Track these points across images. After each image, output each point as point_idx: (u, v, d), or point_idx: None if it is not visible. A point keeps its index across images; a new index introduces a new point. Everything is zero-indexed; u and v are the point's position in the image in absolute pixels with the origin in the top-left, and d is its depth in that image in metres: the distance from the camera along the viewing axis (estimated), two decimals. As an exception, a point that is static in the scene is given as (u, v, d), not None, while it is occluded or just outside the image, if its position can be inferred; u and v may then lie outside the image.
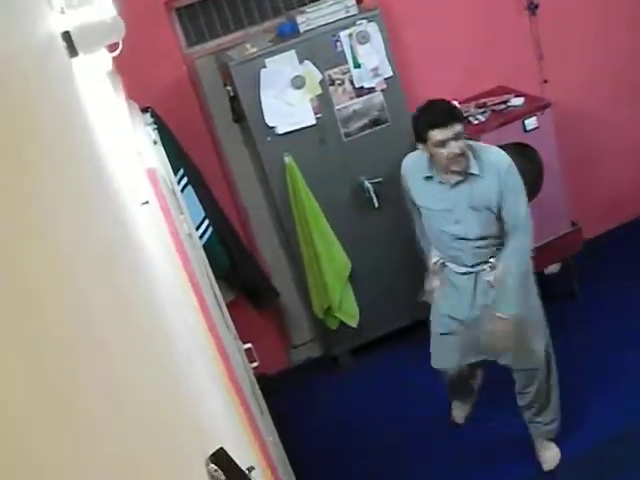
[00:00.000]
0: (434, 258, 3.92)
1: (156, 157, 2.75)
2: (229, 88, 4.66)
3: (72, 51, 1.30)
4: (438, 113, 3.53)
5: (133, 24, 4.40)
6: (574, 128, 5.46)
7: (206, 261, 3.63)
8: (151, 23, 4.58)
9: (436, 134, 3.47)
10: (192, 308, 2.21)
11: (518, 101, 4.94)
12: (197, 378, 1.68)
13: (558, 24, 5.28)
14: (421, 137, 3.55)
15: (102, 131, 1.51)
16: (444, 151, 3.49)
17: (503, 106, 4.93)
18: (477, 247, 3.71)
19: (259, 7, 4.94)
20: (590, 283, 5.30)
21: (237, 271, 4.85)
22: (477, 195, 3.60)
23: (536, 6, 5.20)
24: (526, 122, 4.82)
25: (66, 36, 1.29)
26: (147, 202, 1.75)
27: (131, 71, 4.40)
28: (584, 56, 5.43)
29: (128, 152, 2.02)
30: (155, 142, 3.12)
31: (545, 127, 4.90)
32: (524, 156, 4.83)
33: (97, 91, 1.71)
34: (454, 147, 3.48)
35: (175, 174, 4.21)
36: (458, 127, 3.48)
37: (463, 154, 3.52)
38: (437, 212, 3.73)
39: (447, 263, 3.86)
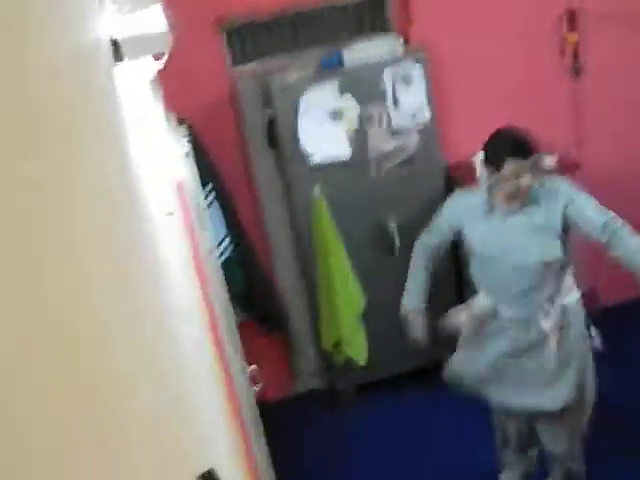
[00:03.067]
0: (482, 300, 3.76)
1: (186, 169, 2.76)
2: (268, 111, 4.68)
3: (118, 57, 1.32)
4: (521, 143, 3.35)
5: (182, 38, 4.50)
6: (606, 192, 5.43)
7: (223, 279, 3.63)
8: (199, 39, 4.63)
9: (513, 164, 3.31)
10: (203, 322, 2.21)
11: (550, 160, 4.93)
12: (199, 395, 1.68)
13: (601, 88, 5.28)
14: (495, 164, 3.37)
15: (137, 137, 1.53)
16: (515, 183, 3.34)
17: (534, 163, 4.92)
18: (536, 279, 3.54)
19: (306, 34, 4.97)
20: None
21: (252, 293, 4.84)
22: (540, 217, 3.45)
23: (581, 69, 5.21)
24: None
25: (114, 42, 1.31)
26: (172, 213, 1.76)
27: (173, 83, 4.44)
28: (623, 121, 5.42)
29: (160, 161, 2.03)
30: (187, 154, 3.13)
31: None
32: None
33: (138, 97, 1.73)
34: (527, 180, 3.34)
35: (203, 188, 4.24)
36: (534, 160, 3.36)
37: (529, 189, 3.40)
38: (496, 245, 3.55)
39: (498, 306, 3.67)
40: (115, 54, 1.32)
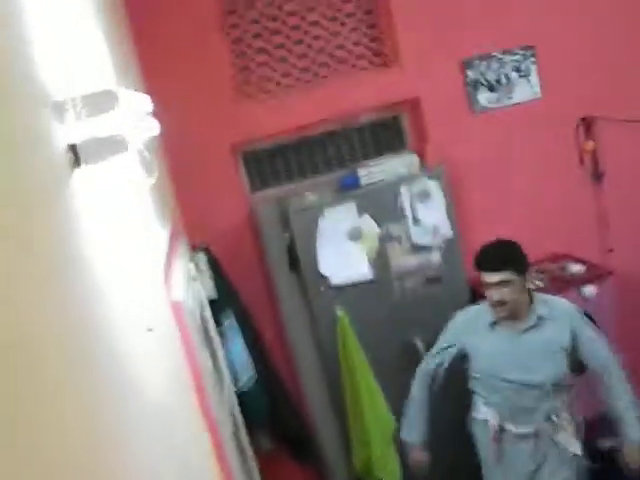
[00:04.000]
0: (491, 419, 3.71)
1: (190, 292, 2.72)
2: (287, 235, 4.68)
3: (76, 163, 1.28)
4: (490, 256, 3.52)
5: (200, 165, 4.58)
6: (636, 300, 5.30)
7: (236, 406, 3.52)
8: (218, 165, 4.68)
9: (483, 276, 3.49)
10: (204, 446, 2.11)
11: (578, 268, 4.84)
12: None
13: (624, 192, 5.23)
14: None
15: (109, 254, 1.48)
16: (488, 294, 3.49)
17: (562, 272, 4.83)
18: (546, 398, 3.52)
19: (324, 158, 5.02)
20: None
21: (278, 420, 4.71)
22: (549, 337, 3.48)
23: (602, 174, 5.16)
24: (584, 290, 4.70)
25: (72, 148, 1.28)
26: (151, 329, 1.70)
27: (194, 209, 4.51)
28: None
29: (150, 280, 1.98)
30: (195, 279, 3.10)
31: (605, 296, 4.77)
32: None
33: (115, 212, 1.69)
34: (494, 294, 3.45)
35: (221, 313, 4.19)
36: (508, 275, 3.40)
37: (504, 303, 3.41)
38: (502, 361, 3.57)
39: (505, 424, 3.65)
40: (74, 161, 1.29)
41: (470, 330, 3.69)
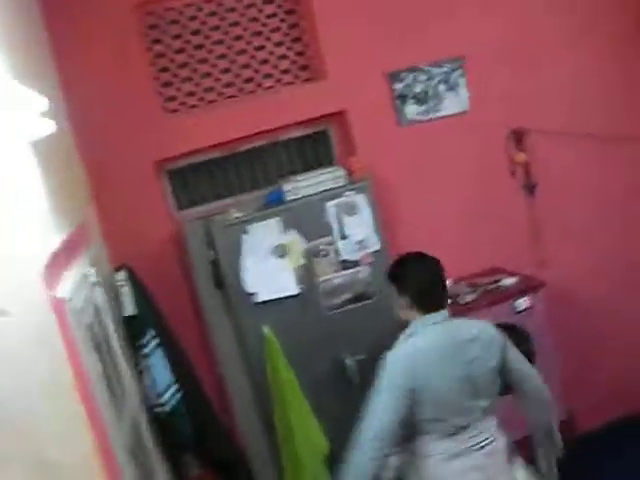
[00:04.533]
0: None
1: (83, 295, 2.68)
2: (211, 252, 4.57)
3: None
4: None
5: (124, 183, 4.49)
6: (574, 313, 5.26)
7: (143, 425, 3.40)
8: (141, 182, 4.60)
9: None
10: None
11: (510, 281, 4.78)
12: None
13: (556, 204, 5.20)
14: None
15: None
16: None
17: (494, 285, 4.77)
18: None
19: (251, 175, 4.94)
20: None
21: (205, 442, 4.57)
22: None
23: (534, 186, 5.12)
24: (516, 303, 4.65)
25: None
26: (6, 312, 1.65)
27: (117, 227, 4.41)
28: (582, 238, 5.31)
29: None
30: (96, 284, 3.04)
31: (538, 309, 4.72)
32: (513, 338, 4.62)
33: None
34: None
35: (144, 332, 4.09)
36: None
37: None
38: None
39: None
40: None
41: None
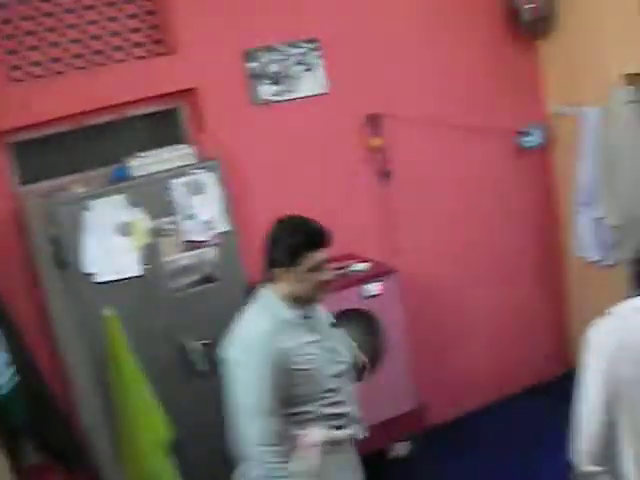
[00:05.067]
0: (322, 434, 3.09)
1: None
2: (52, 230, 4.37)
3: None
4: (318, 232, 3.07)
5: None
6: (428, 300, 5.27)
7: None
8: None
9: (317, 255, 3.00)
10: None
11: (361, 266, 4.73)
12: None
13: (411, 191, 5.19)
14: (293, 261, 3.00)
15: None
16: (321, 275, 3.02)
17: (343, 271, 4.71)
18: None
19: (99, 151, 4.77)
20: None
21: (43, 428, 4.39)
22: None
23: (389, 173, 5.09)
24: (365, 287, 4.60)
25: None
26: None
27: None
28: (437, 226, 5.32)
29: None
30: None
31: (388, 295, 4.68)
32: (362, 323, 4.60)
33: None
34: (332, 270, 3.15)
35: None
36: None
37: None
38: (318, 352, 3.07)
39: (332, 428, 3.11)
40: None
41: (284, 336, 3.05)
